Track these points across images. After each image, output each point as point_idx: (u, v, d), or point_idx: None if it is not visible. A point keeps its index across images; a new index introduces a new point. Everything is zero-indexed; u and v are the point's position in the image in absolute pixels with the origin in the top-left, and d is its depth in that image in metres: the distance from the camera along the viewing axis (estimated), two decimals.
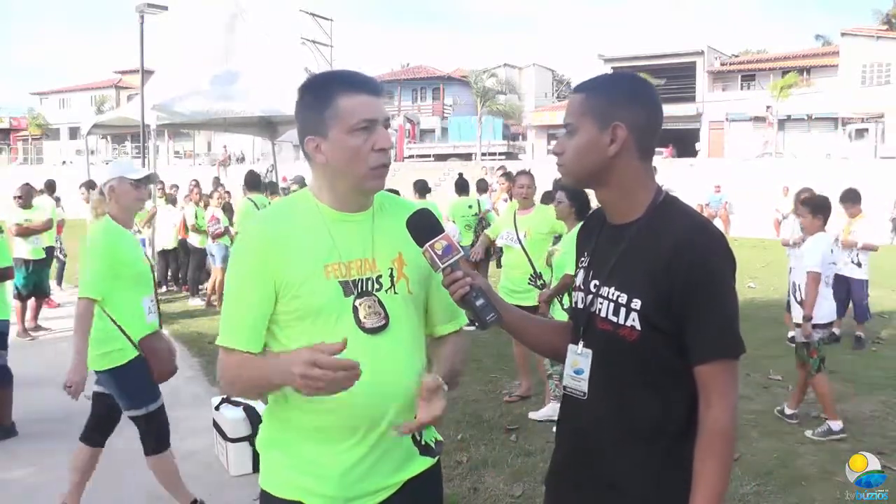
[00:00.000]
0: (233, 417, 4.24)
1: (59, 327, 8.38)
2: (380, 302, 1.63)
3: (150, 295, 3.45)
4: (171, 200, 11.54)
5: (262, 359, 1.61)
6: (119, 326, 3.25)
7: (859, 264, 7.39)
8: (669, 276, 1.45)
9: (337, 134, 1.56)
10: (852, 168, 22.79)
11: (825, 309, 4.94)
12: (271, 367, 1.56)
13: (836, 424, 4.73)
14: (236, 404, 4.31)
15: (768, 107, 33.08)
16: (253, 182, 9.06)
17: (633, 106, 1.54)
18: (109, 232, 3.30)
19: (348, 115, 1.55)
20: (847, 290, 7.38)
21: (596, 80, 1.62)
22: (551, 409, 4.84)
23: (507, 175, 10.71)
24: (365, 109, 1.56)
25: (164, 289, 10.61)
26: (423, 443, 1.69)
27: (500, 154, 37.31)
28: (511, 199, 11.02)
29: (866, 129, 31.73)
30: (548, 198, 6.58)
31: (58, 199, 10.97)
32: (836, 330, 7.61)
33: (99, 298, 3.23)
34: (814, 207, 5.06)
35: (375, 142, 1.57)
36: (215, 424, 4.46)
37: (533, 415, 5.04)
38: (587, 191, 4.92)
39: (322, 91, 1.59)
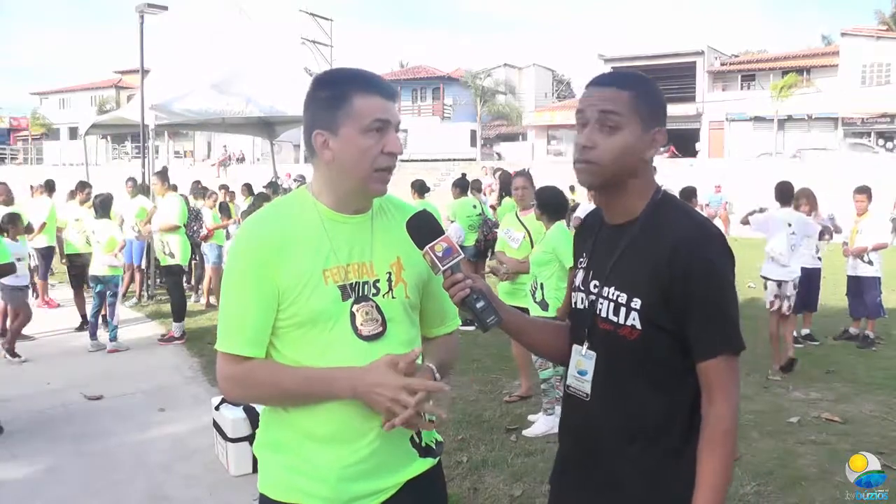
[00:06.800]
0: (233, 417, 4.23)
1: (62, 327, 8.39)
2: (377, 308, 1.61)
3: None
4: None
5: (306, 370, 1.56)
6: None
7: (870, 262, 7.44)
8: (669, 274, 1.45)
9: (349, 132, 1.55)
10: (851, 169, 22.80)
11: None
12: (331, 380, 1.53)
13: None
14: (236, 404, 4.31)
15: None
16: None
17: (665, 111, 1.58)
18: None
19: (362, 115, 1.54)
20: (860, 289, 7.44)
21: (638, 79, 1.56)
22: (545, 425, 4.75)
23: (505, 175, 10.67)
24: (379, 111, 1.55)
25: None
26: (423, 444, 1.68)
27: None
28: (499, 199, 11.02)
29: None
30: None
31: (89, 196, 9.28)
32: (852, 329, 7.63)
33: None
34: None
35: (385, 144, 1.57)
36: (215, 424, 4.45)
37: (527, 433, 4.81)
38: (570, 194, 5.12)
39: (338, 88, 1.58)
